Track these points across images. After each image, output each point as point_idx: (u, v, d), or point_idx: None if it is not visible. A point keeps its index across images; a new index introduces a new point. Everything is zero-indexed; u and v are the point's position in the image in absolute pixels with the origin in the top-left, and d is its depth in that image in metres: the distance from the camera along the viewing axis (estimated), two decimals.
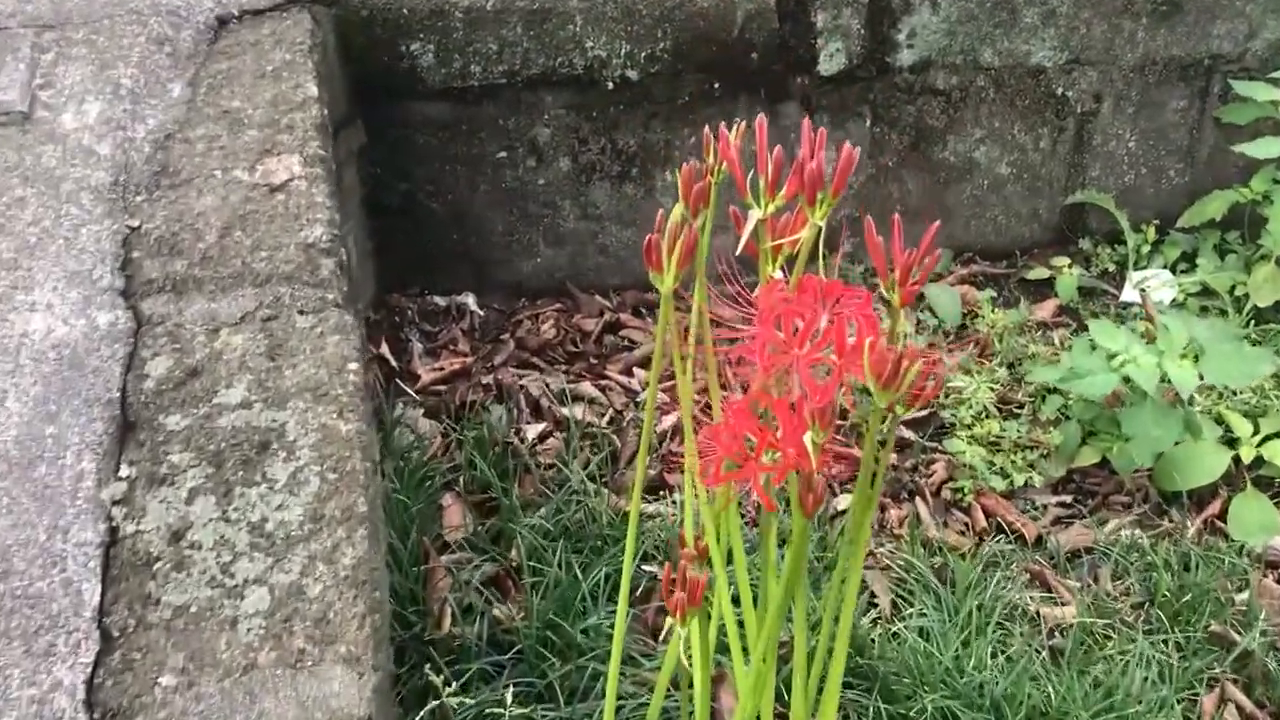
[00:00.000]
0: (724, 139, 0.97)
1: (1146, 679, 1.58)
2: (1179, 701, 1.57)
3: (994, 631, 1.63)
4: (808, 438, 0.83)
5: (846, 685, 1.52)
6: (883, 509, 1.88)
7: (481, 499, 1.83)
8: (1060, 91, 2.31)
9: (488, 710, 1.43)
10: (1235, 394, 2.05)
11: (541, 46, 2.09)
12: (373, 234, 2.20)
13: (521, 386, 2.06)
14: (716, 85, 2.18)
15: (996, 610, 1.66)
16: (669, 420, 2.01)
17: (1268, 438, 1.94)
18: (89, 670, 1.06)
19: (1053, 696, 1.53)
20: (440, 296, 2.27)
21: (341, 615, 1.10)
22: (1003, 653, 1.60)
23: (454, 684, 1.42)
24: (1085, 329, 2.16)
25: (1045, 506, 1.91)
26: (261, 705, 1.04)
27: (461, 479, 1.85)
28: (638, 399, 2.07)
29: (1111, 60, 2.29)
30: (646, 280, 0.95)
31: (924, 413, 2.02)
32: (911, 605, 1.68)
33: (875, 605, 1.70)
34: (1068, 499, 1.94)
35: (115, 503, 1.19)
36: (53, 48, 1.78)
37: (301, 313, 1.40)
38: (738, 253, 0.92)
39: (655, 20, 2.09)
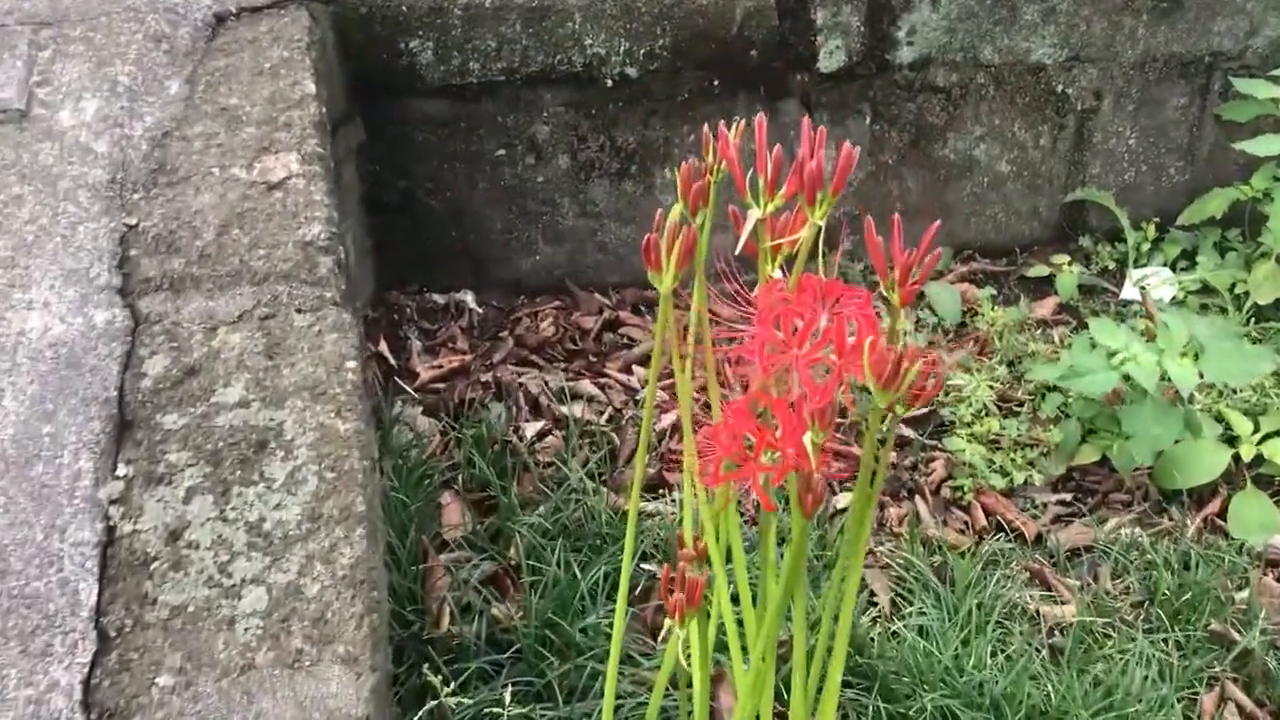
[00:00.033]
0: (723, 138, 0.97)
1: (1146, 678, 1.58)
2: (1179, 700, 1.57)
3: (994, 630, 1.63)
4: (807, 438, 0.83)
5: (846, 684, 1.51)
6: (882, 507, 1.88)
7: (480, 497, 1.83)
8: (1060, 89, 2.31)
9: (486, 710, 1.43)
10: (1235, 392, 2.04)
11: (540, 44, 2.08)
12: (371, 231, 2.20)
13: (520, 384, 2.05)
14: (716, 82, 2.17)
15: (996, 609, 1.66)
16: (668, 418, 2.01)
17: (1268, 436, 1.94)
18: (86, 670, 1.05)
19: (1052, 695, 1.53)
20: (439, 294, 2.27)
21: (339, 615, 1.10)
22: (1002, 651, 1.60)
23: (452, 683, 1.42)
24: (1085, 327, 2.15)
25: (1045, 505, 1.91)
26: (259, 705, 1.03)
27: (460, 477, 1.84)
28: (637, 397, 2.06)
29: (1112, 57, 2.29)
30: (646, 278, 0.95)
31: (924, 411, 2.02)
32: (911, 604, 1.68)
33: (875, 604, 1.69)
34: (1067, 497, 1.93)
35: (112, 502, 1.19)
36: (50, 45, 1.77)
37: (299, 311, 1.39)
38: (737, 252, 0.91)
39: (654, 17, 2.09)
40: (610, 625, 1.53)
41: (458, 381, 2.07)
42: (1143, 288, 2.32)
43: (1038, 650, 1.62)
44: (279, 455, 1.23)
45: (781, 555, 1.40)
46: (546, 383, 2.06)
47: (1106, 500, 1.93)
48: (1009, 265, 2.45)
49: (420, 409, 1.98)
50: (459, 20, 2.05)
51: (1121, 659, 1.61)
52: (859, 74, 2.22)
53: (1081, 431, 1.98)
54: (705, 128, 1.00)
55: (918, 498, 1.90)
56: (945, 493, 1.93)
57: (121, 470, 1.22)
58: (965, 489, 1.91)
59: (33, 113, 1.66)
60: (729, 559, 1.10)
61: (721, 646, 1.16)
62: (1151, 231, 2.43)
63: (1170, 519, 1.88)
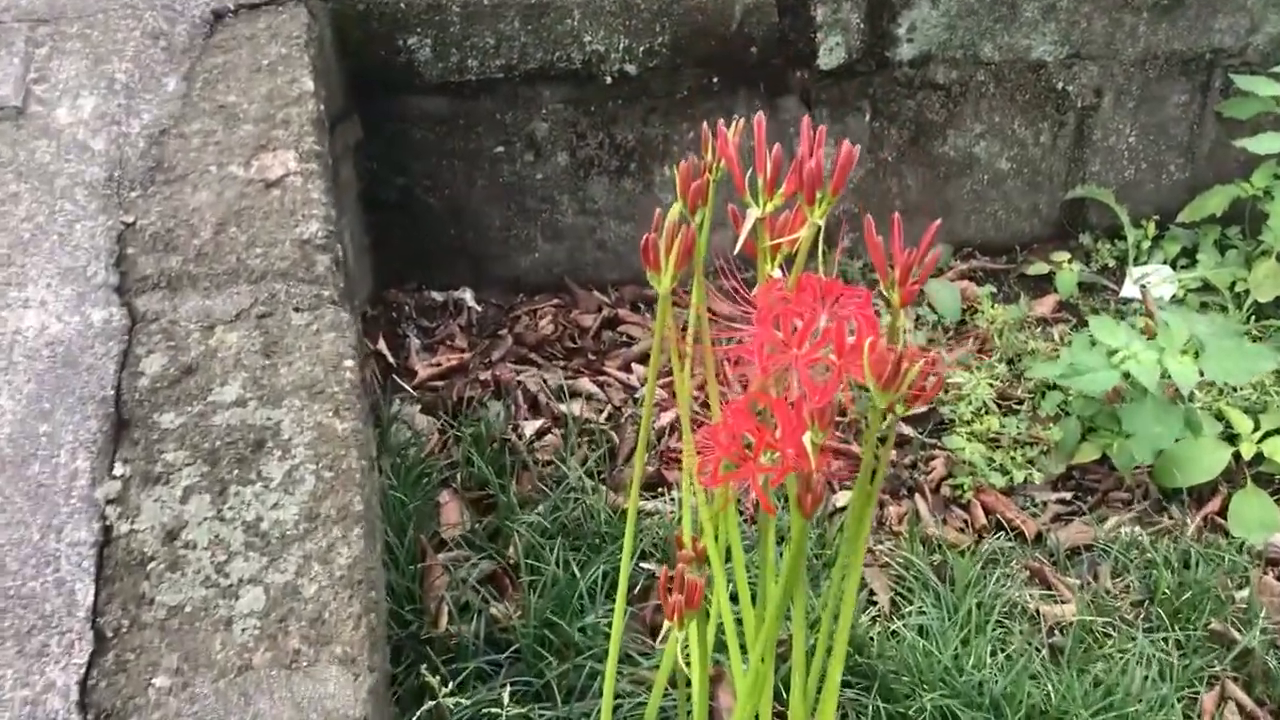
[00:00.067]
0: (722, 136, 0.96)
1: (1146, 677, 1.57)
2: (1179, 700, 1.56)
3: (993, 630, 1.62)
4: (807, 438, 0.82)
5: (845, 684, 1.51)
6: (881, 506, 1.87)
7: (479, 496, 1.82)
8: (1060, 86, 2.30)
9: (484, 709, 1.42)
10: (1236, 390, 2.04)
11: (539, 41, 2.07)
12: (370, 229, 2.19)
13: (519, 383, 2.05)
14: (715, 80, 2.17)
15: (996, 608, 1.65)
16: (667, 416, 2.00)
17: (1268, 434, 1.93)
18: (82, 671, 1.05)
19: (1052, 695, 1.53)
20: (438, 292, 2.27)
21: (337, 615, 1.10)
22: (1002, 651, 1.60)
23: (450, 684, 1.42)
24: (1085, 325, 2.15)
25: (1045, 503, 1.90)
26: (256, 706, 1.03)
27: (459, 476, 1.84)
28: (636, 395, 2.06)
29: (1112, 55, 2.28)
30: (645, 275, 0.94)
31: (923, 409, 2.02)
32: (910, 603, 1.68)
33: (874, 603, 1.69)
34: (1067, 496, 1.93)
35: (109, 502, 1.18)
36: (47, 42, 1.77)
37: (297, 310, 1.39)
38: (736, 251, 0.91)
39: (653, 14, 2.08)
40: (609, 624, 1.53)
41: (456, 379, 2.06)
42: (1143, 285, 2.31)
43: (1037, 649, 1.62)
44: (276, 455, 1.23)
45: (781, 555, 1.40)
46: (545, 381, 2.05)
47: (1106, 499, 1.93)
48: (1009, 263, 2.44)
49: (419, 407, 1.98)
50: (457, 17, 2.04)
51: (1121, 658, 1.61)
52: (859, 71, 2.21)
53: (1081, 430, 1.98)
54: (705, 126, 0.99)
55: (917, 496, 1.90)
56: (945, 491, 1.92)
57: (118, 470, 1.21)
58: (965, 487, 1.90)
59: (29, 110, 1.65)
60: (728, 558, 1.10)
61: (721, 646, 1.16)
62: (1152, 229, 2.43)
63: (1170, 517, 1.87)
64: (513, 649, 1.55)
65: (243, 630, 1.08)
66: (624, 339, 2.21)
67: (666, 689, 1.11)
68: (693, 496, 1.13)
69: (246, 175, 1.55)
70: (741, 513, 1.69)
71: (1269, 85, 2.22)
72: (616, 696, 1.46)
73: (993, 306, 2.26)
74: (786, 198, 0.90)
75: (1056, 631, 1.68)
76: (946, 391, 2.05)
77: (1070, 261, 2.40)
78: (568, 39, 2.08)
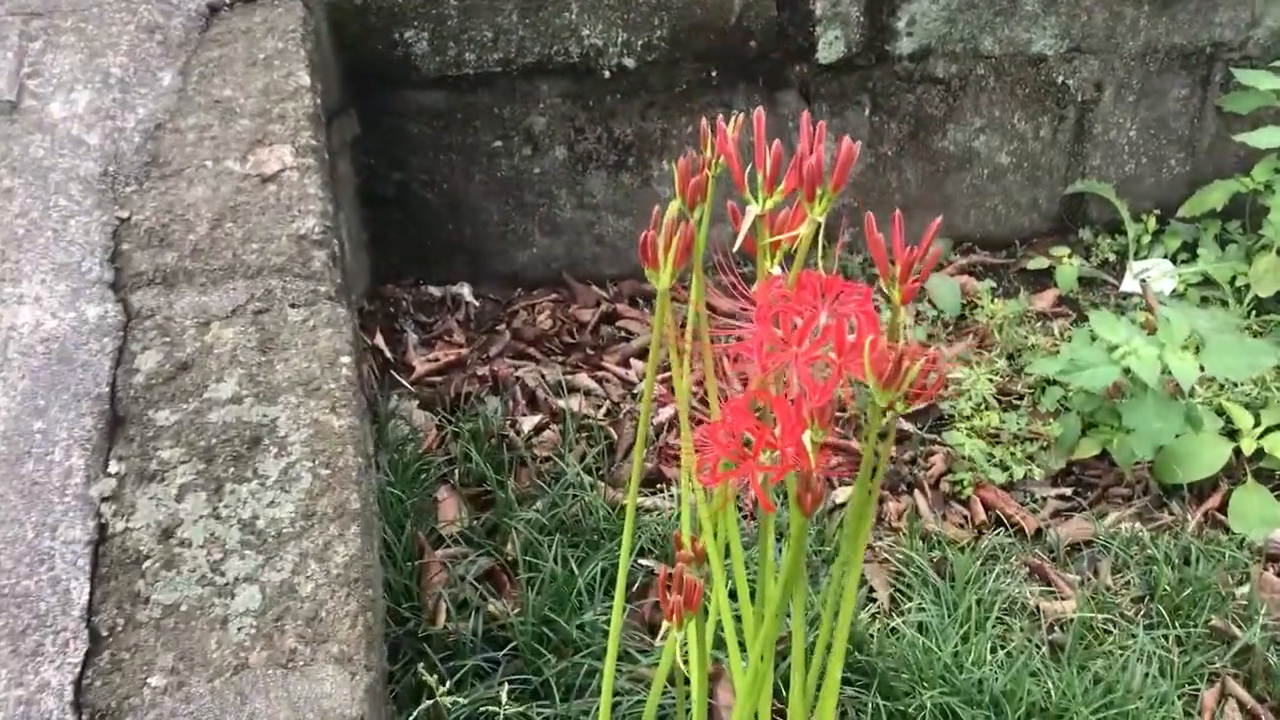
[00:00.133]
0: (721, 132, 0.96)
1: (1147, 674, 1.57)
2: (1179, 697, 1.56)
3: (993, 626, 1.62)
4: (806, 436, 0.81)
5: (845, 682, 1.50)
6: (881, 502, 1.87)
7: (477, 492, 1.81)
8: (1061, 80, 2.29)
9: (482, 707, 1.42)
10: (1236, 386, 2.03)
11: (537, 34, 2.06)
12: (367, 224, 2.18)
13: (517, 378, 2.04)
14: (714, 73, 2.16)
15: (996, 604, 1.65)
16: (666, 412, 2.00)
17: (1269, 430, 1.93)
18: (77, 670, 1.04)
19: (1052, 692, 1.52)
20: (435, 287, 2.26)
21: (334, 614, 1.09)
22: (1002, 648, 1.59)
23: (448, 682, 1.41)
24: (1085, 320, 2.14)
25: (1045, 499, 1.90)
26: (252, 706, 1.02)
27: (457, 472, 1.83)
28: (635, 390, 2.05)
29: (1113, 48, 2.28)
30: (643, 270, 0.93)
31: (923, 405, 2.01)
32: (910, 599, 1.67)
33: (874, 599, 1.68)
34: (1067, 491, 1.92)
35: (104, 499, 1.17)
36: (41, 36, 1.76)
37: (293, 306, 1.38)
38: (735, 248, 0.90)
39: (652, 8, 2.07)
40: (608, 622, 1.52)
41: (454, 375, 2.05)
42: (1143, 280, 2.31)
43: (1037, 646, 1.61)
44: (272, 452, 1.22)
45: (780, 552, 1.39)
46: (543, 376, 2.05)
47: (1106, 495, 1.92)
48: (1009, 258, 2.44)
49: (416, 403, 1.97)
50: (455, 10, 2.03)
51: (1122, 655, 1.60)
52: (858, 65, 2.20)
53: (1081, 425, 1.97)
54: (704, 121, 0.98)
55: (917, 492, 1.89)
56: (945, 487, 1.92)
57: (113, 467, 1.20)
58: (965, 483, 1.90)
59: (23, 104, 1.64)
60: (727, 555, 1.09)
61: (720, 644, 1.15)
62: (1152, 224, 2.42)
63: (1171, 514, 1.87)
64: (511, 646, 1.54)
65: (239, 629, 1.08)
66: (622, 334, 2.20)
67: (665, 687, 1.11)
68: (691, 494, 1.13)
69: (242, 170, 1.54)
70: (741, 509, 1.68)
71: (1269, 79, 2.22)
72: (615, 694, 1.46)
73: (993, 301, 2.25)
74: (786, 194, 0.89)
75: (1056, 628, 1.67)
76: (946, 387, 2.04)
77: (1070, 256, 2.39)
78: (566, 32, 2.07)
